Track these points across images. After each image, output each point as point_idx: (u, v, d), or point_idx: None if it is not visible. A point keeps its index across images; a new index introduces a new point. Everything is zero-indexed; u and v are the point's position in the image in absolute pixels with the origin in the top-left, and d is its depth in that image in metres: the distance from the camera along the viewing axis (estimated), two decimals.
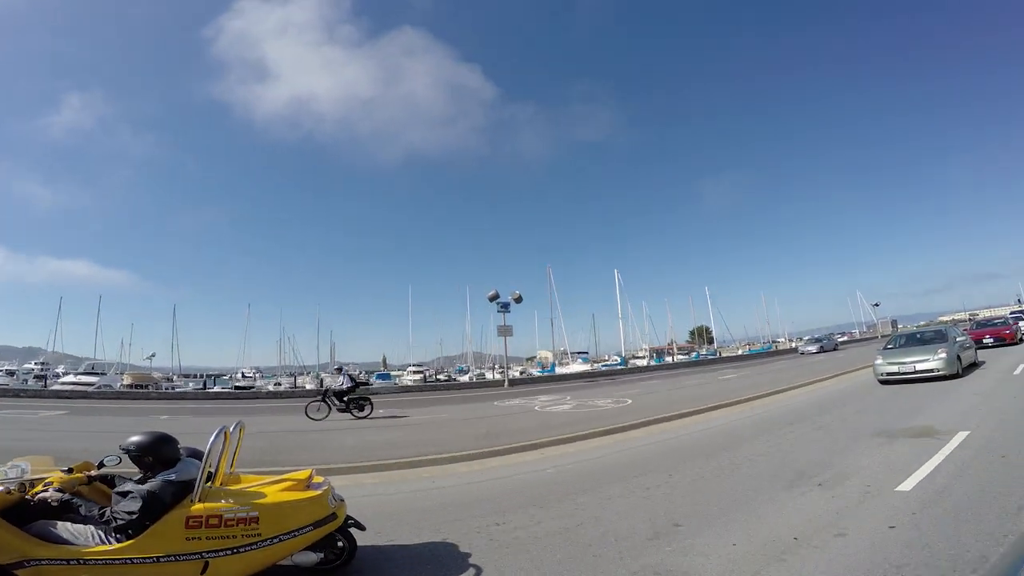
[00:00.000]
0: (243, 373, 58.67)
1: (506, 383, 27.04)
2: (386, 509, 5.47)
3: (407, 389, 29.89)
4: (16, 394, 25.46)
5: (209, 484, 3.54)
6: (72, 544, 3.28)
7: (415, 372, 56.34)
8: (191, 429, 12.41)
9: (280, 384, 49.69)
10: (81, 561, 3.22)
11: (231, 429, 3.75)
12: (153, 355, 50.52)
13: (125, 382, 41.84)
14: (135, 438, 3.54)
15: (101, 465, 4.01)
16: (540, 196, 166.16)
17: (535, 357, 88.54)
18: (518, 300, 27.47)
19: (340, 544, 3.85)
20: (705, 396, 14.33)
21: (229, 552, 3.35)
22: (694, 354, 60.36)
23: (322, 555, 3.76)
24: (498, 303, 26.23)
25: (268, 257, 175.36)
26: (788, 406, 11.59)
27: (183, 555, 3.30)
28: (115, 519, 3.30)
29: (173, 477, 3.47)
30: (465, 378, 48.81)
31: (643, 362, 51.37)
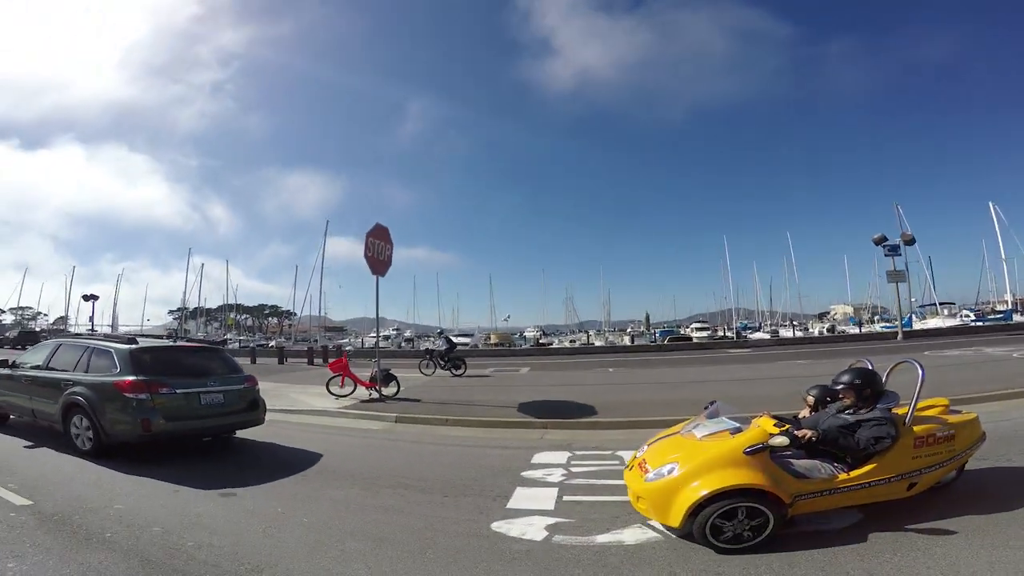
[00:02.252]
0: (540, 330, 68.10)
1: (899, 335, 25.04)
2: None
3: (774, 343, 30.40)
4: (392, 355, 30.58)
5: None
6: (807, 477, 3.49)
7: (700, 329, 54.82)
8: (672, 379, 13.41)
9: (575, 342, 54.24)
10: (832, 491, 3.44)
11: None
12: (508, 317, 60.63)
13: (492, 341, 53.04)
14: (848, 375, 3.82)
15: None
16: (866, 130, 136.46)
17: (830, 312, 77.92)
18: (909, 242, 24.97)
19: None
20: None
21: (932, 468, 3.60)
22: None
23: (954, 474, 3.93)
24: (885, 246, 24.33)
25: (558, 225, 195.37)
26: None
27: (906, 473, 3.53)
28: (871, 446, 3.50)
29: (891, 405, 3.70)
30: (758, 336, 44.61)
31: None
